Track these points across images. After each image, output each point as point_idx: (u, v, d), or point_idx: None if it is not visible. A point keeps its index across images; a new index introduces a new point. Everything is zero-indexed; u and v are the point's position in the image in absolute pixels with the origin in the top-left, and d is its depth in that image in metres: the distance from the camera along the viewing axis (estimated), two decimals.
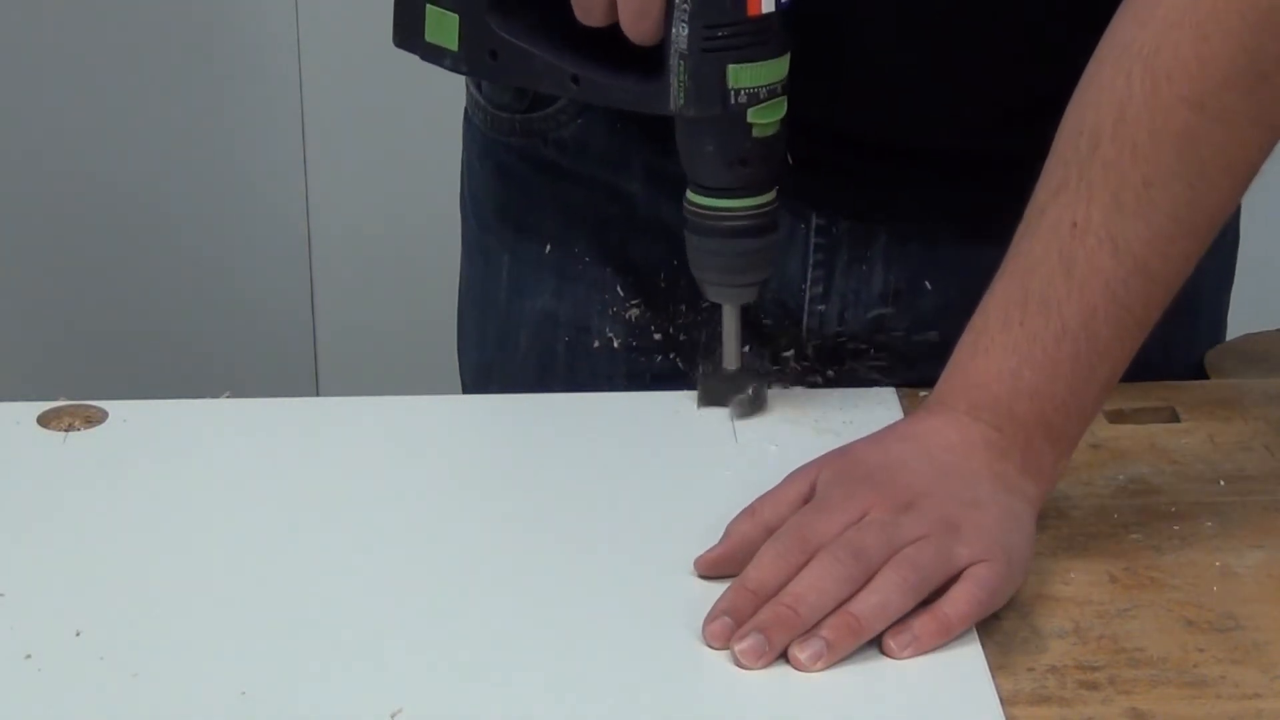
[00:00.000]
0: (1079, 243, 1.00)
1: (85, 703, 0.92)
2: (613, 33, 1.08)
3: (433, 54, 1.14)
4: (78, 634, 0.96)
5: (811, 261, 1.21)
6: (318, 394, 2.44)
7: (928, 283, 1.20)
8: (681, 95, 1.08)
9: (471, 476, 1.10)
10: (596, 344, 1.24)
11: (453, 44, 1.13)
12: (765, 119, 1.08)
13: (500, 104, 1.25)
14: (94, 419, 1.15)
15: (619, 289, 1.24)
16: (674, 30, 1.06)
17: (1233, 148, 1.00)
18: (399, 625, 0.97)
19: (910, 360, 1.18)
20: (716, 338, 1.16)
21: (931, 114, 1.15)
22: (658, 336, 1.23)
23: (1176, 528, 1.06)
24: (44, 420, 1.15)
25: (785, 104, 1.09)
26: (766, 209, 1.11)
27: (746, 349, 1.20)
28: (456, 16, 1.12)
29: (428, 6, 1.13)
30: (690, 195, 1.12)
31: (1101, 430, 1.13)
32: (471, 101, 1.29)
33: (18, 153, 2.44)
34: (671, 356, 1.23)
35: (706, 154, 1.10)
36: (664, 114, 1.09)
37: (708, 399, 1.16)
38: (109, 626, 0.97)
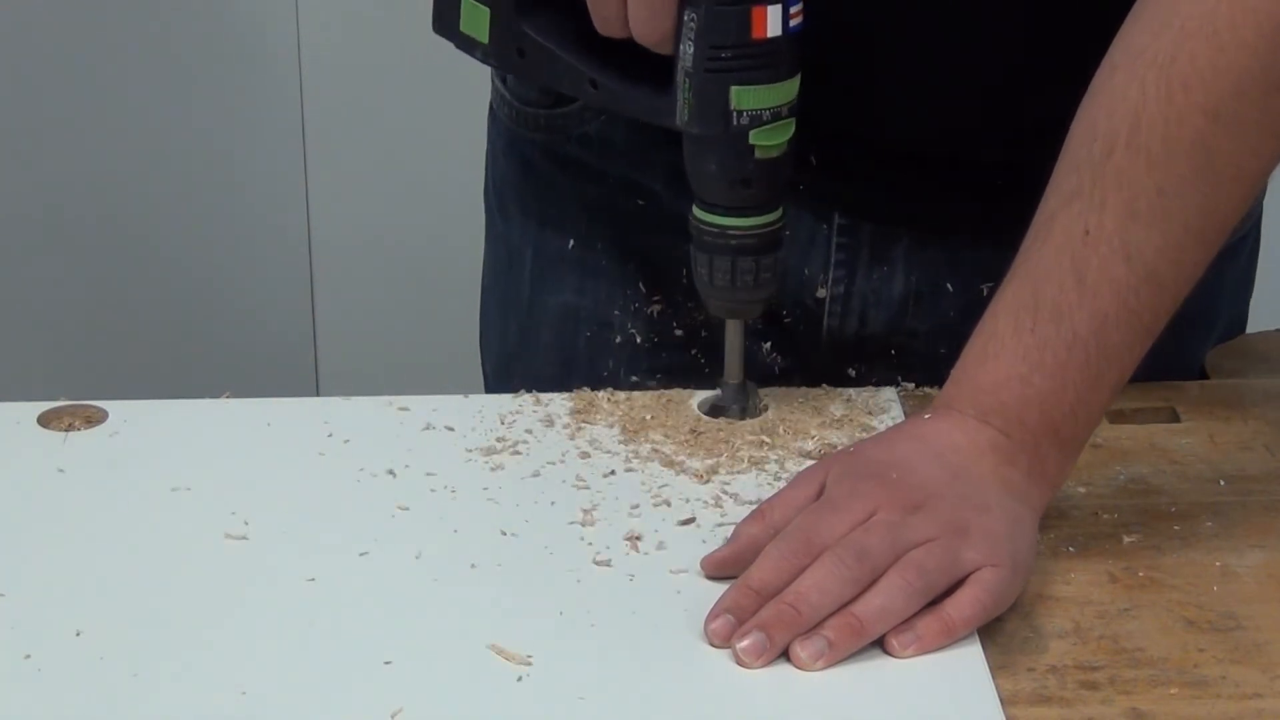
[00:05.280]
0: (1091, 250, 1.01)
1: (85, 703, 0.92)
2: (633, 43, 1.08)
3: (466, 44, 1.16)
4: (78, 634, 0.96)
5: (833, 262, 1.21)
6: (318, 394, 2.44)
7: (949, 285, 1.21)
8: (686, 112, 1.08)
9: (473, 475, 1.10)
10: (618, 339, 1.25)
11: (484, 37, 1.14)
12: (769, 141, 1.09)
13: (525, 99, 1.26)
14: (94, 419, 1.15)
15: (641, 285, 1.24)
16: (681, 48, 1.07)
17: (1245, 156, 1.01)
18: (399, 625, 0.97)
19: (930, 361, 1.18)
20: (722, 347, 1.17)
21: (956, 122, 1.15)
22: (679, 332, 1.24)
23: (1176, 528, 1.06)
24: (44, 420, 1.15)
25: (792, 126, 1.09)
26: (770, 228, 1.12)
27: (768, 344, 1.20)
28: (488, 11, 1.13)
29: None
30: (695, 211, 1.12)
31: (1102, 430, 1.13)
32: (496, 95, 1.29)
33: (18, 153, 2.44)
34: (693, 353, 1.24)
35: (709, 172, 1.10)
36: (671, 127, 1.09)
37: (708, 403, 1.16)
38: (109, 626, 0.97)
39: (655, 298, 1.24)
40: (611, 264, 1.25)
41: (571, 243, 1.26)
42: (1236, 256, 1.27)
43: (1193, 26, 0.99)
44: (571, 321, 1.26)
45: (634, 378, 1.23)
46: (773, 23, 1.06)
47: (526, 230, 1.28)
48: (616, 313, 1.25)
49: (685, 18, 1.06)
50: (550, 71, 1.13)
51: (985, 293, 1.05)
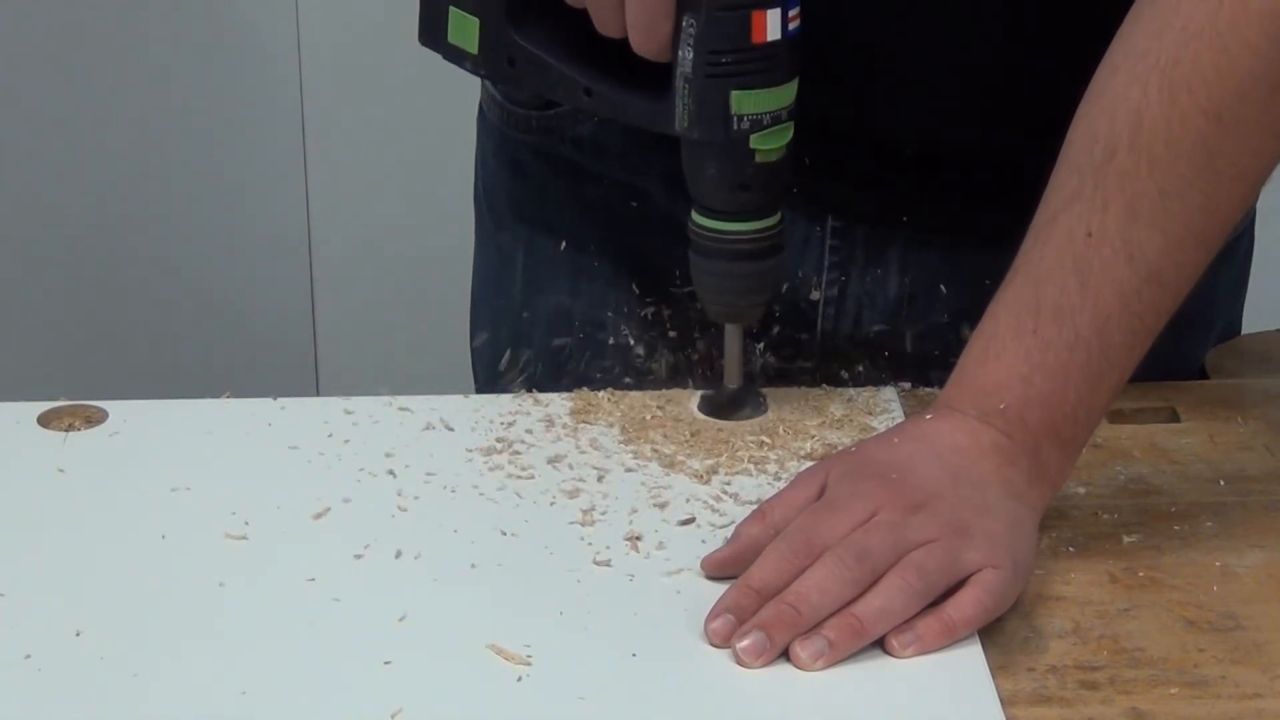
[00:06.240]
0: (1094, 251, 1.01)
1: (85, 703, 0.92)
2: (627, 49, 1.08)
3: (454, 55, 1.15)
4: (78, 634, 0.96)
5: (827, 264, 1.21)
6: (318, 394, 2.44)
7: (943, 287, 1.21)
8: (685, 118, 1.08)
9: (473, 475, 1.10)
10: (611, 341, 1.25)
11: (473, 47, 1.14)
12: (768, 145, 1.09)
13: (517, 101, 1.25)
14: (94, 419, 1.15)
15: (634, 287, 1.24)
16: (680, 53, 1.07)
17: (1247, 157, 1.01)
18: (399, 625, 0.97)
19: (925, 363, 1.18)
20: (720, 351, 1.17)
21: (954, 123, 1.15)
22: (672, 334, 1.24)
23: (1176, 528, 1.06)
24: (44, 420, 1.15)
25: (791, 130, 1.09)
26: (769, 233, 1.12)
27: (761, 345, 1.20)
28: (477, 20, 1.13)
29: (451, 8, 1.13)
30: (694, 216, 1.12)
31: (1102, 430, 1.13)
32: (487, 97, 1.29)
33: (18, 153, 2.44)
34: (685, 354, 1.24)
35: (709, 177, 1.10)
36: (670, 134, 1.09)
37: (708, 406, 1.16)
38: (109, 626, 0.97)
39: (648, 300, 1.24)
40: (604, 266, 1.25)
41: (564, 244, 1.26)
42: (1232, 257, 1.27)
43: (1195, 28, 0.99)
44: (564, 323, 1.26)
45: (627, 380, 1.23)
46: (772, 26, 1.06)
47: (518, 232, 1.28)
48: (610, 314, 1.25)
49: (684, 23, 1.06)
50: (543, 80, 1.13)
51: (986, 285, 1.05)
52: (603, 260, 1.25)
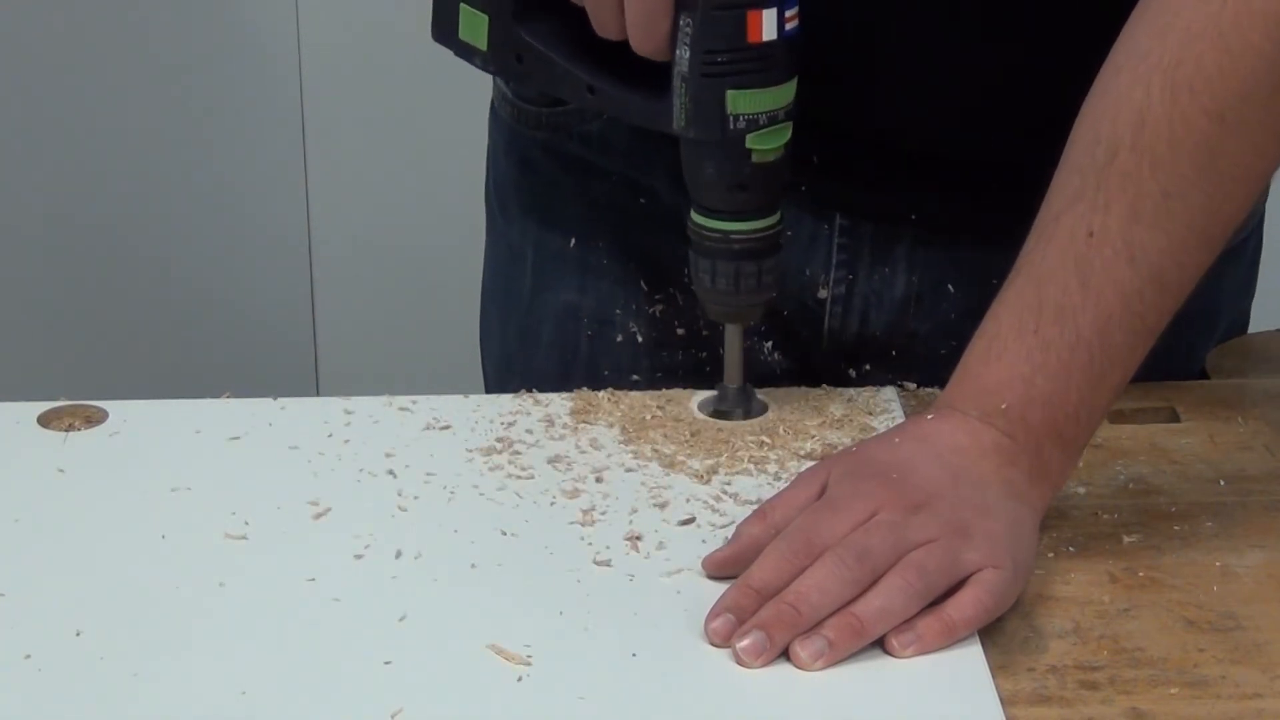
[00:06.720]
0: (1096, 252, 1.01)
1: (85, 703, 0.92)
2: (629, 47, 1.08)
3: (464, 51, 1.16)
4: (78, 634, 0.96)
5: (834, 262, 1.21)
6: (318, 394, 2.44)
7: (950, 286, 1.21)
8: (682, 117, 1.08)
9: (473, 475, 1.10)
10: (619, 338, 1.25)
11: (482, 44, 1.15)
12: (765, 145, 1.09)
13: (527, 98, 1.26)
14: (94, 419, 1.15)
15: (642, 284, 1.24)
16: (677, 53, 1.07)
17: (1250, 157, 1.01)
18: (399, 625, 0.97)
19: (933, 362, 1.18)
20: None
21: (957, 122, 1.15)
22: (680, 331, 1.24)
23: (1176, 528, 1.06)
24: (44, 420, 1.15)
25: (789, 130, 1.09)
26: (768, 233, 1.12)
27: (769, 344, 1.20)
28: (486, 17, 1.14)
29: (461, 5, 1.14)
30: (693, 215, 1.12)
31: (1102, 430, 1.13)
32: (498, 95, 1.30)
33: (18, 152, 2.44)
34: (695, 351, 1.24)
35: (707, 176, 1.10)
36: (669, 132, 1.10)
37: (708, 406, 1.16)
38: (109, 626, 0.97)
39: (657, 296, 1.24)
40: (613, 262, 1.25)
41: (573, 241, 1.26)
42: (1239, 258, 1.27)
43: (1198, 29, 0.99)
44: (573, 320, 1.26)
45: (635, 376, 1.24)
46: (768, 26, 1.06)
47: (527, 229, 1.29)
48: (618, 311, 1.25)
49: (681, 22, 1.06)
50: (548, 77, 1.13)
51: (994, 284, 1.05)
52: (611, 257, 1.25)
